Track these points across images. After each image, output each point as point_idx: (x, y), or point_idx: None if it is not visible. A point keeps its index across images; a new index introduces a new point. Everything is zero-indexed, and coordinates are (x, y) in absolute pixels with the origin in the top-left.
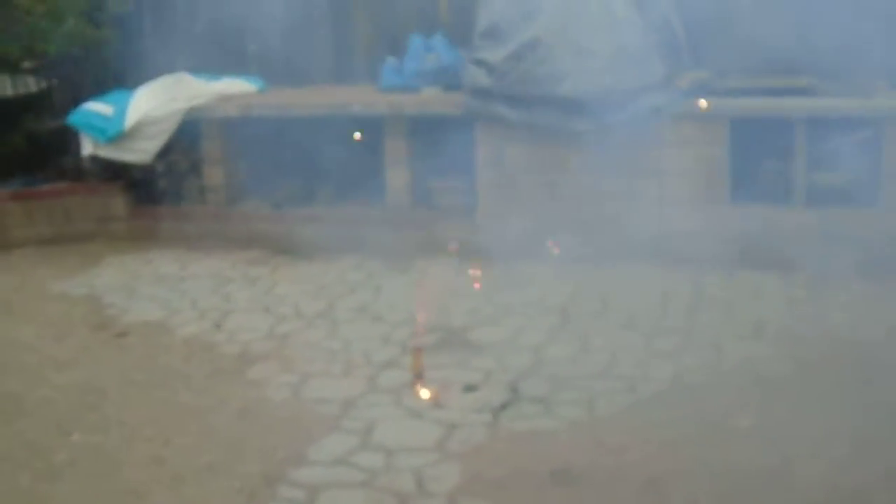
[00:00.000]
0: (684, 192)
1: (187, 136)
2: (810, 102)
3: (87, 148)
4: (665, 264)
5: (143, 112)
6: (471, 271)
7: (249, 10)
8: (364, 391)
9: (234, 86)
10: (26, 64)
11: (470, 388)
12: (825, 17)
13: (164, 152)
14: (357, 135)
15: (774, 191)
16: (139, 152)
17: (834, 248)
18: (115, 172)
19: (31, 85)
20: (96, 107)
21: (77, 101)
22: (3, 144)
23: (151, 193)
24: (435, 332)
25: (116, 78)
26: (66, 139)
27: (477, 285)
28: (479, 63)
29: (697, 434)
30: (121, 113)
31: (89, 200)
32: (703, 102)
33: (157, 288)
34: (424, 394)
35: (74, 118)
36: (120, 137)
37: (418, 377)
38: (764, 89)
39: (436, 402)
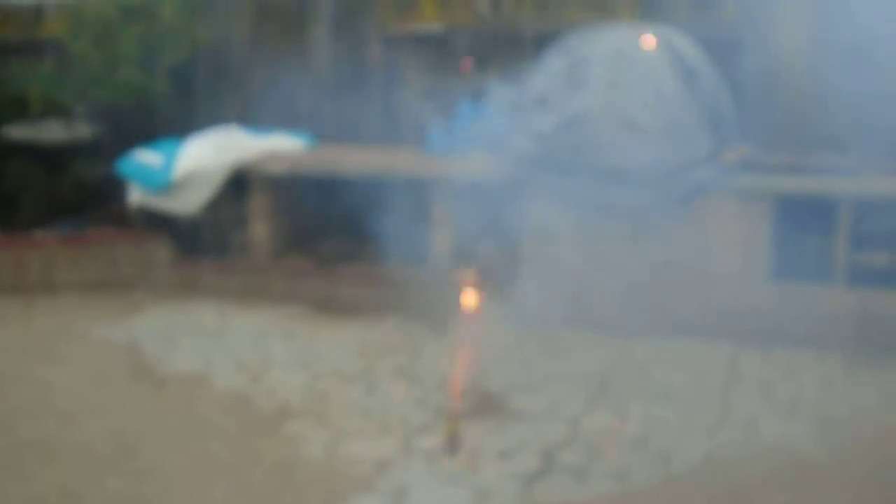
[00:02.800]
0: (726, 268)
1: (234, 189)
2: (855, 183)
3: (135, 196)
4: (703, 338)
5: (191, 164)
6: (512, 337)
7: (302, 69)
8: (399, 453)
9: (283, 142)
10: (79, 110)
11: (504, 455)
12: (874, 95)
13: (211, 205)
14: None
15: (816, 269)
16: (186, 203)
17: (873, 329)
18: (160, 222)
19: (83, 131)
20: (146, 156)
21: (127, 149)
22: (52, 189)
23: (196, 244)
24: (472, 397)
25: (167, 128)
26: (114, 186)
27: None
28: (526, 131)
29: None
30: (169, 163)
31: (134, 248)
32: None
33: (197, 339)
34: (458, 459)
35: (123, 166)
36: (167, 187)
37: (453, 442)
38: (810, 167)
39: (470, 468)
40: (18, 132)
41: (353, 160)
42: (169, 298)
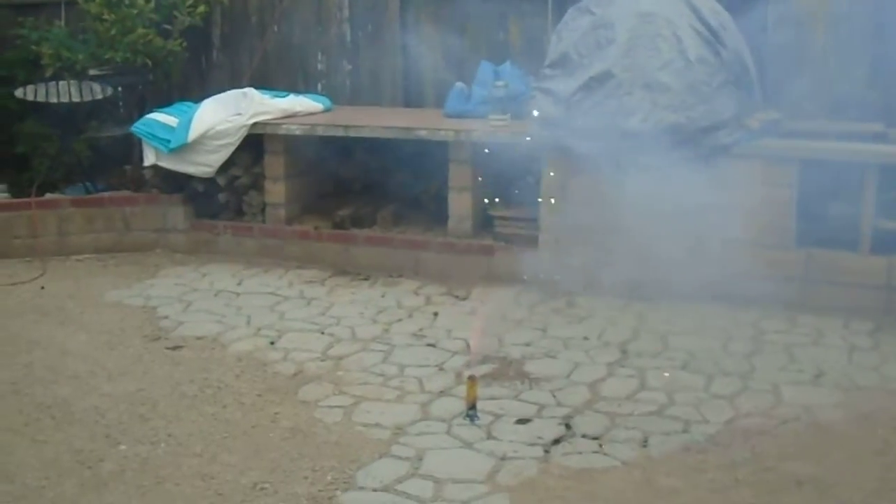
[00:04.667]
0: (750, 233)
1: (250, 151)
2: (882, 148)
3: (150, 158)
4: (726, 305)
5: (207, 125)
6: (529, 303)
7: (320, 29)
8: (416, 418)
9: (301, 103)
10: (93, 71)
11: (523, 421)
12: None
13: (227, 166)
14: None
15: (840, 236)
16: (201, 165)
17: None
18: (176, 184)
19: (97, 92)
20: (161, 117)
21: (142, 110)
22: (66, 150)
23: (211, 207)
24: (490, 362)
25: (183, 90)
26: (129, 148)
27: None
28: (548, 93)
29: (751, 479)
30: (185, 125)
31: (149, 210)
32: None
33: (213, 302)
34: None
35: (138, 127)
36: (183, 149)
37: (472, 407)
38: (835, 133)
39: (488, 434)
40: (32, 93)
41: (371, 122)
42: (184, 261)
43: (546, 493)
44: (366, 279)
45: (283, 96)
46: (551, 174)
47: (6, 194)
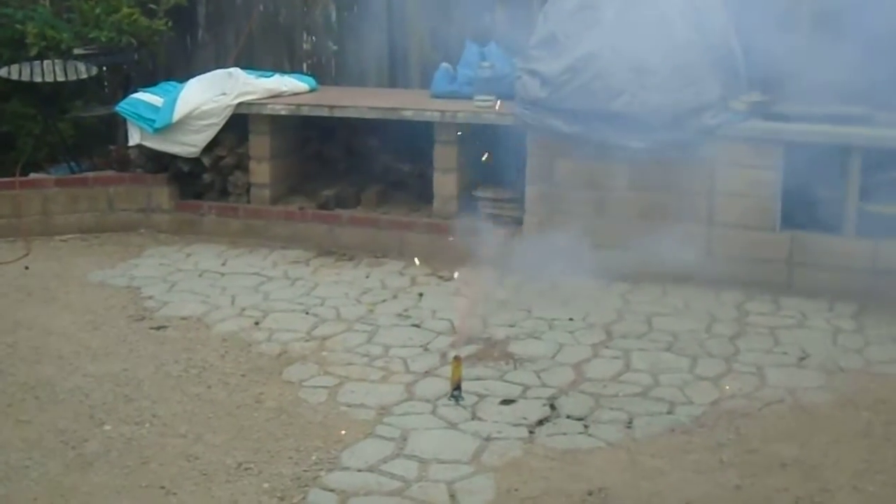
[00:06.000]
0: (734, 215)
1: (236, 131)
2: (868, 131)
3: (135, 138)
4: (711, 287)
5: (192, 105)
6: (514, 284)
7: (305, 9)
8: (401, 398)
9: (286, 83)
10: (78, 51)
11: (508, 402)
12: (885, 46)
13: (211, 146)
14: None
15: (825, 219)
16: (186, 145)
17: (883, 280)
18: (160, 164)
19: (82, 72)
20: (146, 97)
21: (127, 90)
22: (50, 130)
23: (196, 187)
24: (475, 342)
25: (168, 69)
26: (114, 128)
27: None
28: (534, 74)
29: (736, 460)
30: (170, 104)
31: (133, 190)
32: None
33: (197, 282)
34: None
35: (123, 107)
36: (168, 129)
37: (456, 388)
38: (820, 115)
39: (473, 415)
40: (16, 72)
41: (356, 102)
42: (168, 242)
43: (531, 473)
44: (350, 259)
45: (269, 76)
46: (536, 155)
47: None
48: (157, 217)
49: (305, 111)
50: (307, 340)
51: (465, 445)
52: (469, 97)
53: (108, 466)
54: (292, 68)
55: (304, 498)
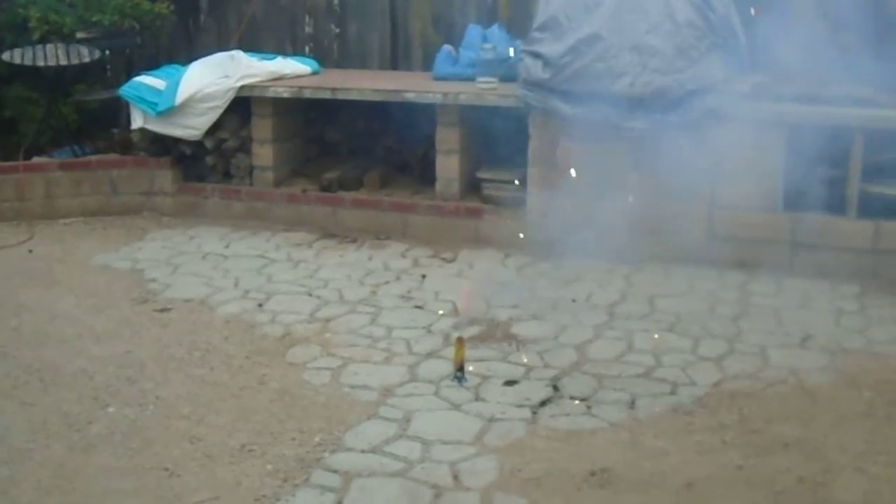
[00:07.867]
0: (737, 196)
1: (238, 114)
2: (870, 112)
3: (137, 121)
4: (714, 268)
5: (195, 88)
6: (517, 265)
7: None
8: (404, 380)
9: (288, 66)
10: (80, 34)
11: (510, 383)
12: (888, 28)
13: (214, 129)
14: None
15: (828, 199)
16: (189, 128)
17: (885, 261)
18: (163, 147)
19: (85, 55)
20: (148, 80)
21: (130, 73)
22: (54, 114)
23: (199, 170)
24: (478, 324)
25: (170, 53)
26: (117, 111)
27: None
28: (536, 56)
29: (738, 441)
30: (173, 87)
31: (137, 174)
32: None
33: (201, 265)
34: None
35: (126, 90)
36: (170, 112)
37: (459, 369)
38: (823, 97)
39: (476, 396)
40: (19, 57)
41: (358, 84)
42: (172, 224)
43: (534, 454)
44: (353, 242)
45: (271, 59)
46: (539, 137)
47: None
48: (161, 200)
49: (308, 94)
50: (310, 322)
51: (469, 426)
52: (471, 79)
53: (112, 448)
54: (294, 51)
55: (307, 479)
